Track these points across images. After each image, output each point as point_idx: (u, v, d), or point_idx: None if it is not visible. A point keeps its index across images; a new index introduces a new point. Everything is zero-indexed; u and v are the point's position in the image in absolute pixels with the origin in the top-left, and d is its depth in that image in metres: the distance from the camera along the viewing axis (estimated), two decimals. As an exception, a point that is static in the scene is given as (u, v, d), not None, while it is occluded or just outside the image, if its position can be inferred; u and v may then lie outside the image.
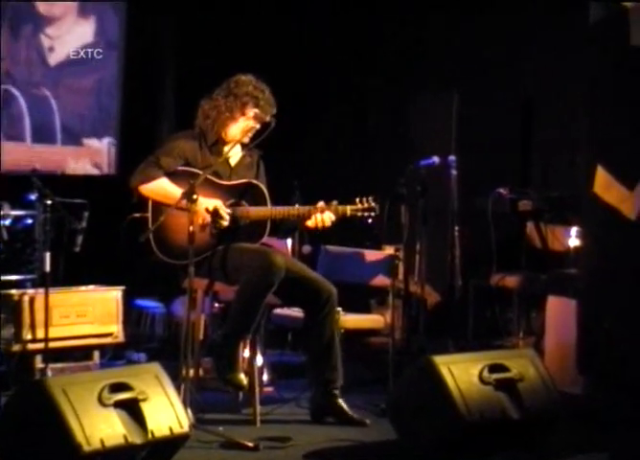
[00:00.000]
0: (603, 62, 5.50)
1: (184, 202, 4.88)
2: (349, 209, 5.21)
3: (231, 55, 7.97)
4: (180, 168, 5.25)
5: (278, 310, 6.15)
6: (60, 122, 8.04)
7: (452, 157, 6.62)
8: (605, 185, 5.38)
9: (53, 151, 8.05)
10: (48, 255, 5.78)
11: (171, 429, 4.14)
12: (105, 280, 6.35)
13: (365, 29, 8.67)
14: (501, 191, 6.91)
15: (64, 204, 5.96)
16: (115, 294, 6.27)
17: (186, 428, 4.22)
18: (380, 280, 6.26)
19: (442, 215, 6.97)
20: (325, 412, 5.30)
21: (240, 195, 5.30)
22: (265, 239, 5.32)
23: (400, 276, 6.57)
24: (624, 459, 4.69)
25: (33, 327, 5.89)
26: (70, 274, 6.29)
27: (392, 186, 6.25)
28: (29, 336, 5.88)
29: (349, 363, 5.43)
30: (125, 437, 3.97)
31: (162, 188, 5.18)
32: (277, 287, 5.10)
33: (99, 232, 6.36)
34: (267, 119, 5.31)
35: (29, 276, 6.56)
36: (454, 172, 6.63)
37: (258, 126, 5.33)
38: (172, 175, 5.22)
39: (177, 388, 4.50)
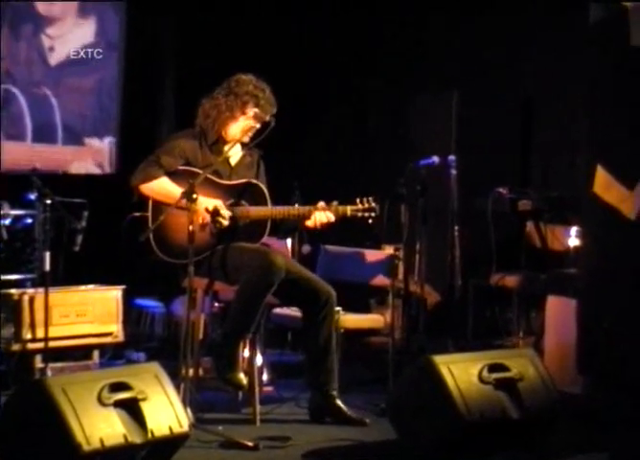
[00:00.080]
0: (603, 63, 5.50)
1: (184, 201, 4.88)
2: (349, 209, 5.22)
3: (231, 55, 7.97)
4: (181, 167, 5.25)
5: (278, 310, 6.15)
6: (61, 121, 8.04)
7: (452, 157, 6.62)
8: (604, 185, 5.38)
9: (54, 151, 8.05)
10: (48, 254, 5.78)
11: (170, 429, 4.14)
12: (105, 279, 6.35)
13: (365, 30, 8.67)
14: (501, 191, 6.92)
15: (64, 204, 5.96)
16: (115, 294, 6.27)
17: (186, 428, 4.22)
18: (380, 280, 6.26)
19: (441, 214, 6.97)
20: (324, 412, 5.30)
21: (240, 194, 5.30)
22: (265, 239, 5.32)
23: (400, 276, 6.57)
24: (624, 459, 4.69)
25: (32, 326, 5.89)
26: (70, 274, 6.29)
27: (392, 186, 6.25)
28: (29, 336, 5.88)
29: (349, 363, 5.44)
30: (125, 436, 3.98)
31: (162, 187, 5.18)
32: (276, 288, 5.10)
33: (98, 231, 6.36)
34: (267, 118, 5.31)
35: (29, 275, 6.56)
36: (454, 171, 6.63)
37: (258, 126, 5.33)
38: (173, 175, 5.22)
39: (177, 388, 4.50)
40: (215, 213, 5.15)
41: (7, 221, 6.46)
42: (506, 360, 4.69)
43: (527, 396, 4.60)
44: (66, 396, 3.91)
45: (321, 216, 5.19)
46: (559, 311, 6.01)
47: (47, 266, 5.77)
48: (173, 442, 4.23)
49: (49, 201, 5.87)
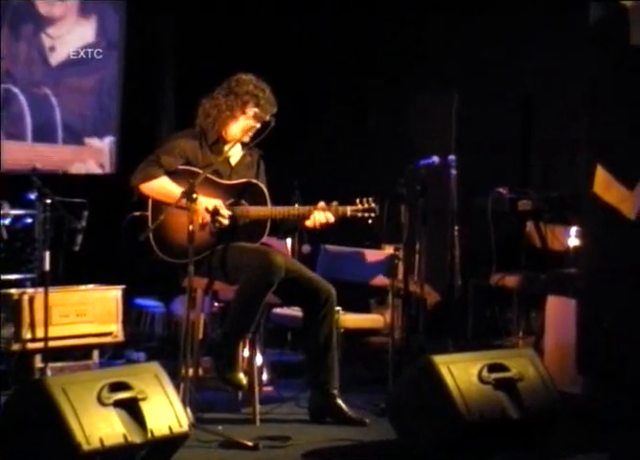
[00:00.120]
0: (602, 62, 5.50)
1: (184, 201, 4.88)
2: (349, 210, 5.21)
3: (231, 54, 7.97)
4: (181, 167, 5.25)
5: (277, 310, 6.15)
6: (62, 121, 8.04)
7: (452, 157, 6.62)
8: (604, 185, 5.38)
9: (54, 151, 8.05)
10: (47, 254, 5.78)
11: (170, 429, 4.14)
12: (105, 279, 6.35)
13: (365, 29, 8.67)
14: (501, 190, 6.91)
15: (64, 203, 5.96)
16: (115, 293, 6.27)
17: (185, 428, 4.22)
18: (380, 279, 6.26)
19: (441, 214, 6.97)
20: (324, 412, 5.30)
21: (239, 194, 5.30)
22: (265, 238, 5.32)
23: (400, 276, 6.57)
24: (623, 459, 4.69)
25: (32, 326, 5.89)
26: (70, 273, 6.29)
27: (392, 186, 6.25)
28: (28, 336, 5.88)
29: (348, 363, 5.43)
30: (125, 436, 3.98)
31: (162, 187, 5.18)
32: (276, 287, 5.10)
33: (98, 231, 6.36)
34: (268, 118, 5.31)
35: (28, 275, 6.56)
36: (454, 171, 6.63)
37: (258, 126, 5.33)
38: (173, 174, 5.22)
39: (177, 387, 4.50)
40: (214, 212, 5.15)
41: (7, 221, 6.45)
42: (506, 360, 4.69)
43: (527, 396, 4.60)
44: (66, 396, 3.91)
45: (320, 216, 5.19)
46: (558, 311, 6.01)
47: (47, 266, 5.77)
48: (173, 442, 4.23)
49: (49, 201, 5.87)
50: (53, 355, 5.91)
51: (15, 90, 7.72)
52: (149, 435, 4.05)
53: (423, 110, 8.47)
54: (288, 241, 6.65)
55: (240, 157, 5.45)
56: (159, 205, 5.16)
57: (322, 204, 5.21)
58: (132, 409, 4.07)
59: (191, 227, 4.84)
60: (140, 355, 6.75)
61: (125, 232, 5.25)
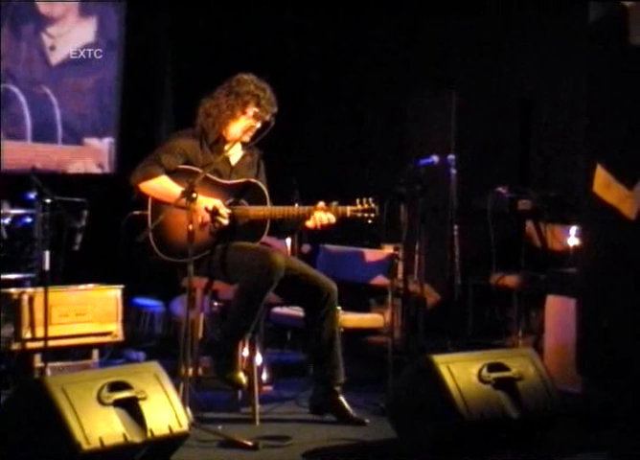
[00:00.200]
0: (602, 62, 5.50)
1: (183, 201, 4.88)
2: (349, 210, 5.20)
3: (230, 55, 7.97)
4: (181, 166, 5.25)
5: (277, 309, 6.15)
6: (62, 121, 8.04)
7: (452, 156, 6.61)
8: (604, 184, 5.38)
9: (54, 151, 8.05)
10: (47, 254, 5.78)
11: (170, 428, 4.14)
12: (105, 279, 6.34)
13: (364, 28, 8.67)
14: (500, 190, 6.91)
15: (63, 203, 5.96)
16: (114, 293, 6.26)
17: (185, 427, 4.22)
18: (380, 279, 6.26)
19: (441, 214, 6.98)
20: (325, 409, 5.30)
21: (239, 194, 5.30)
22: (265, 238, 5.32)
23: (400, 275, 6.57)
24: (622, 458, 4.69)
25: (32, 326, 5.88)
26: (69, 273, 6.28)
27: (391, 185, 6.25)
28: (28, 335, 5.88)
29: (348, 362, 5.42)
30: (125, 436, 3.98)
31: (162, 186, 5.18)
32: (277, 285, 5.10)
33: (98, 231, 6.35)
34: (268, 118, 5.31)
35: (28, 275, 6.54)
36: (454, 171, 6.63)
37: (258, 125, 5.33)
38: (173, 174, 5.22)
39: (176, 387, 4.50)
40: (214, 212, 5.14)
41: (6, 221, 6.45)
42: (505, 360, 4.69)
43: (526, 395, 4.60)
44: (66, 395, 3.91)
45: (322, 217, 5.18)
46: (558, 311, 6.02)
47: (46, 266, 5.77)
48: (173, 441, 4.23)
49: (48, 200, 5.88)
50: (52, 354, 5.90)
51: (15, 90, 7.72)
52: (149, 435, 4.05)
53: (423, 110, 8.48)
54: (288, 240, 6.65)
55: (240, 157, 5.45)
56: (159, 204, 5.16)
57: (322, 204, 5.21)
58: (132, 409, 4.07)
59: (190, 227, 4.83)
60: (139, 354, 6.75)
61: (125, 231, 5.25)
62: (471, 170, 7.37)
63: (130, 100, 8.34)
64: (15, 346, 5.86)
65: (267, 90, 5.35)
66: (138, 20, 8.29)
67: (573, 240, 6.75)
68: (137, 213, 5.23)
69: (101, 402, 4.00)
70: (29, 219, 6.53)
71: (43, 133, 7.95)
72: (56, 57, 7.99)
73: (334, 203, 5.21)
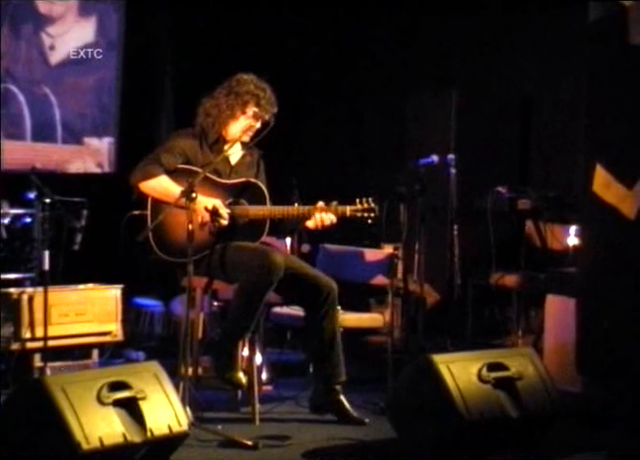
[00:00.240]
0: (602, 61, 5.50)
1: (183, 200, 4.88)
2: (348, 209, 5.20)
3: (229, 54, 7.97)
4: (180, 166, 5.25)
5: (277, 309, 6.15)
6: (61, 120, 8.04)
7: (451, 156, 6.61)
8: (604, 184, 5.38)
9: (53, 150, 8.05)
10: (47, 253, 5.78)
11: (169, 428, 4.14)
12: (104, 278, 6.34)
13: (364, 28, 8.68)
14: (500, 189, 6.91)
15: (63, 202, 5.96)
16: (114, 293, 6.26)
17: (185, 427, 4.22)
18: (379, 279, 6.26)
19: (441, 213, 6.97)
20: (325, 409, 5.30)
21: (239, 193, 5.30)
22: (265, 238, 5.32)
23: (400, 275, 6.57)
24: (622, 457, 4.69)
25: (31, 325, 5.88)
26: (69, 272, 6.28)
27: (391, 185, 6.25)
28: (28, 335, 5.87)
29: (348, 362, 5.42)
30: (124, 435, 3.98)
31: (162, 186, 5.18)
32: (277, 285, 5.10)
33: (98, 230, 6.35)
34: (267, 118, 5.31)
35: (28, 275, 6.54)
36: (453, 170, 6.62)
37: (258, 125, 5.33)
38: (173, 173, 5.22)
39: (176, 387, 4.50)
40: (214, 212, 5.14)
41: (6, 220, 6.45)
42: (505, 359, 4.70)
43: (526, 395, 4.61)
44: (65, 395, 3.91)
45: (324, 217, 5.17)
46: (558, 311, 6.02)
47: (46, 265, 5.77)
48: (172, 441, 4.23)
49: (48, 200, 5.88)
50: (52, 354, 5.90)
51: (15, 89, 7.71)
52: (149, 434, 4.05)
53: (423, 109, 8.48)
54: (288, 240, 6.65)
55: (239, 157, 5.45)
56: (158, 204, 5.16)
57: (321, 204, 5.21)
58: (132, 408, 4.07)
59: (190, 226, 4.83)
60: (139, 354, 6.75)
61: (125, 231, 5.25)
62: (471, 169, 7.36)
63: (130, 99, 8.34)
64: (15, 346, 5.86)
65: (267, 90, 5.35)
66: (138, 20, 8.29)
67: (573, 239, 6.75)
68: (137, 212, 5.22)
69: (100, 401, 4.00)
70: (28, 219, 6.53)
71: (43, 133, 7.95)
72: (55, 57, 7.99)
73: (334, 203, 5.21)
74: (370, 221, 5.21)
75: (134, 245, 5.10)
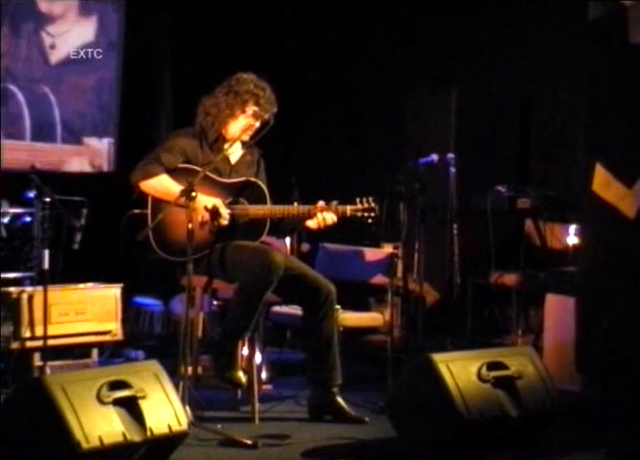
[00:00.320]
0: (601, 60, 5.50)
1: (183, 199, 4.88)
2: (349, 209, 5.20)
3: (229, 54, 7.97)
4: (180, 165, 5.25)
5: (276, 308, 6.15)
6: (61, 120, 8.03)
7: (451, 155, 6.60)
8: (604, 183, 5.38)
9: (52, 150, 8.04)
10: (47, 252, 5.78)
11: (169, 427, 4.14)
12: (104, 277, 6.35)
13: (363, 27, 8.68)
14: (500, 188, 6.91)
15: (63, 202, 5.96)
16: (114, 292, 6.26)
17: (184, 426, 4.22)
18: (379, 278, 6.26)
19: (440, 213, 6.97)
20: (323, 411, 5.31)
21: (239, 192, 5.30)
22: (265, 237, 5.32)
23: (399, 274, 6.57)
24: (621, 456, 4.69)
25: (31, 324, 5.88)
26: (69, 272, 6.28)
27: (390, 184, 6.25)
28: (27, 334, 5.88)
29: (347, 361, 5.43)
30: (124, 435, 3.98)
31: (162, 185, 5.18)
32: (276, 285, 5.10)
33: (97, 229, 6.35)
34: (267, 117, 5.31)
35: (27, 274, 6.54)
36: (453, 169, 6.62)
37: (258, 124, 5.33)
38: (173, 173, 5.22)
39: (176, 386, 4.49)
40: (214, 211, 5.14)
41: (6, 219, 6.45)
42: (505, 358, 4.69)
43: (526, 394, 4.60)
44: (65, 394, 3.91)
45: (326, 217, 5.17)
46: (558, 310, 6.02)
47: (46, 265, 5.77)
48: (172, 440, 4.23)
49: (48, 199, 5.88)
50: (52, 353, 5.90)
51: (14, 88, 7.71)
52: (149, 433, 4.05)
53: (422, 108, 8.48)
54: (287, 239, 6.65)
55: (239, 156, 5.45)
56: (159, 203, 5.16)
57: (322, 203, 5.21)
58: (131, 408, 4.07)
59: (190, 225, 4.83)
60: (139, 353, 6.75)
61: (125, 230, 5.25)
62: (471, 168, 7.36)
63: (130, 99, 8.34)
64: (15, 345, 5.87)
65: (267, 89, 5.35)
66: (138, 20, 8.29)
67: (572, 238, 6.75)
68: (137, 211, 5.23)
69: (100, 400, 4.00)
70: (28, 218, 6.54)
71: (42, 133, 7.95)
72: (55, 56, 7.99)
73: (334, 202, 5.21)
74: (370, 221, 5.21)
75: (134, 244, 5.10)
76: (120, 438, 3.96)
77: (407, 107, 8.63)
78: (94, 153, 8.28)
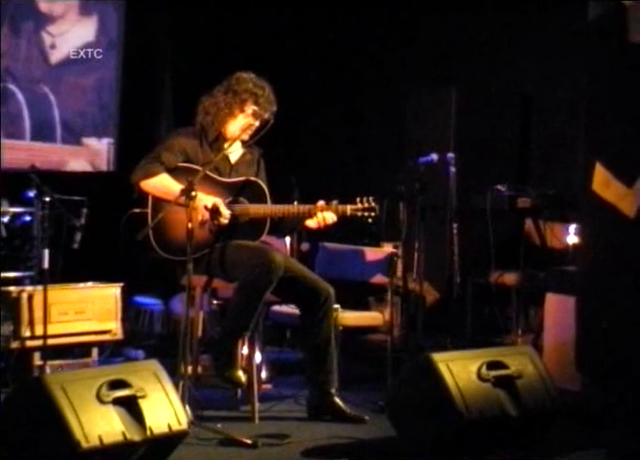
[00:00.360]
0: (601, 59, 5.50)
1: (183, 199, 4.88)
2: (349, 209, 5.20)
3: (229, 54, 7.97)
4: (181, 164, 5.25)
5: (276, 308, 6.14)
6: (60, 120, 8.03)
7: (451, 154, 6.60)
8: (604, 182, 5.38)
9: (52, 150, 8.04)
10: (46, 252, 5.79)
11: (169, 426, 4.14)
12: (104, 277, 6.35)
13: (363, 26, 8.67)
14: (500, 188, 6.91)
15: (63, 201, 5.96)
16: (114, 291, 6.26)
17: (184, 425, 4.22)
18: (379, 277, 6.26)
19: (440, 212, 6.97)
20: (322, 411, 5.30)
21: (239, 192, 5.30)
22: (265, 237, 5.32)
23: (399, 273, 6.57)
24: (621, 456, 4.70)
25: (31, 324, 5.88)
26: (68, 271, 6.28)
27: (390, 183, 6.25)
28: (27, 333, 5.88)
29: (347, 360, 5.43)
30: (124, 434, 3.98)
31: (162, 184, 5.18)
32: (275, 286, 5.10)
33: (97, 229, 6.35)
34: (267, 116, 5.30)
35: (27, 273, 6.54)
36: (453, 169, 6.62)
37: (257, 124, 5.33)
38: (173, 172, 5.22)
39: (176, 385, 4.49)
40: (214, 210, 5.15)
41: (5, 219, 6.45)
42: (505, 358, 4.69)
43: (526, 393, 4.60)
44: (65, 393, 3.91)
45: (327, 216, 5.17)
46: (557, 309, 6.02)
47: (46, 264, 5.77)
48: (172, 439, 4.23)
49: (48, 199, 5.88)
50: (52, 352, 5.90)
51: (14, 88, 7.71)
52: (148, 433, 4.05)
53: (422, 108, 8.48)
54: (287, 239, 6.65)
55: (240, 155, 5.45)
56: (159, 202, 5.16)
57: (322, 203, 5.21)
58: (131, 407, 4.07)
59: (189, 225, 4.83)
60: (139, 352, 6.75)
61: (125, 229, 5.25)
62: (471, 168, 7.36)
63: (130, 99, 8.34)
64: (15, 344, 5.86)
65: (266, 88, 5.34)
66: (138, 20, 8.29)
67: (572, 237, 6.75)
68: (137, 210, 5.22)
69: (100, 400, 4.00)
70: (28, 218, 6.54)
71: (42, 132, 7.95)
72: (56, 56, 7.99)
73: (334, 202, 5.21)
74: (370, 221, 5.21)
75: (134, 244, 5.10)
76: (120, 437, 3.96)
77: (407, 107, 8.63)
78: (93, 154, 8.28)
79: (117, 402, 4.04)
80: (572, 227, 6.74)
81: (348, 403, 5.31)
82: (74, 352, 6.16)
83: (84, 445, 3.84)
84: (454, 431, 4.43)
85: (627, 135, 5.31)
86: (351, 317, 6.05)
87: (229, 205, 5.23)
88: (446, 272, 7.54)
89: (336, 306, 5.37)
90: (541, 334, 6.33)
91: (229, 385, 5.30)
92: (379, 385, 5.88)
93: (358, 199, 5.20)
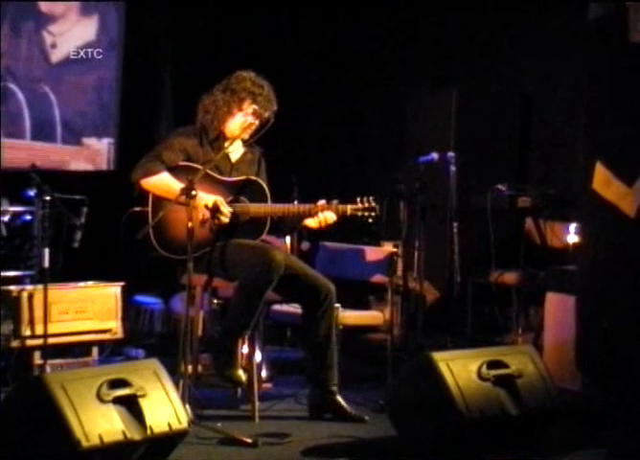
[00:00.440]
0: (601, 59, 5.50)
1: (183, 197, 4.88)
2: (349, 208, 5.20)
3: (229, 52, 7.98)
4: (181, 163, 5.25)
5: (277, 307, 6.15)
6: (60, 119, 8.03)
7: (451, 154, 6.60)
8: (604, 181, 5.38)
9: (52, 150, 8.04)
10: (47, 251, 5.79)
11: (169, 425, 4.14)
12: (104, 276, 6.35)
13: (363, 26, 8.68)
14: (500, 187, 6.91)
15: (63, 200, 5.96)
16: (114, 290, 6.26)
17: (184, 424, 4.22)
18: (379, 276, 6.26)
19: (440, 211, 6.97)
20: (323, 409, 5.31)
21: (240, 191, 5.30)
22: (265, 236, 5.32)
23: (399, 273, 6.57)
24: (621, 455, 4.70)
25: (31, 323, 5.89)
26: (69, 270, 6.29)
27: (391, 183, 6.25)
28: (27, 332, 5.88)
29: (347, 359, 5.43)
30: (124, 433, 3.98)
31: (163, 182, 5.17)
32: (276, 284, 5.10)
33: (97, 228, 6.36)
34: (266, 115, 5.30)
35: (27, 272, 6.56)
36: (453, 168, 6.61)
37: (256, 123, 5.33)
38: (174, 171, 5.22)
39: (176, 384, 4.49)
40: (215, 209, 5.15)
41: (6, 218, 6.46)
42: (505, 357, 4.69)
43: (526, 392, 4.60)
44: (65, 392, 3.91)
45: (327, 216, 5.18)
46: (558, 308, 6.02)
47: (46, 263, 5.77)
48: (172, 438, 4.23)
49: (48, 198, 5.88)
50: (52, 352, 5.91)
51: (14, 88, 7.71)
52: (149, 432, 4.06)
53: (422, 107, 8.48)
54: (287, 238, 6.65)
55: (240, 154, 5.45)
56: (159, 201, 5.16)
57: (322, 202, 5.21)
58: (131, 406, 4.07)
59: (190, 224, 4.83)
60: (139, 352, 6.75)
61: (125, 228, 5.25)
62: (471, 167, 7.36)
63: (130, 99, 8.34)
64: (15, 343, 5.87)
65: (265, 87, 5.34)
66: (138, 20, 8.30)
67: (572, 237, 6.75)
68: (137, 209, 5.23)
69: (100, 399, 4.00)
70: (28, 217, 6.55)
71: (42, 132, 7.95)
72: (56, 56, 7.99)
73: (335, 202, 5.21)
74: (371, 220, 5.21)
75: (134, 243, 5.10)
76: (120, 436, 3.96)
77: (407, 107, 8.63)
78: (93, 154, 8.28)
79: (117, 401, 4.04)
80: (572, 226, 6.74)
81: (348, 402, 5.31)
82: (74, 351, 6.16)
83: (85, 444, 3.84)
84: (454, 431, 4.43)
85: (627, 135, 5.31)
86: (351, 316, 6.05)
87: (230, 204, 5.23)
88: (447, 271, 7.54)
89: (337, 305, 5.37)
90: (541, 334, 6.33)
91: (229, 384, 5.31)
92: (380, 384, 5.88)
93: (358, 199, 5.20)
